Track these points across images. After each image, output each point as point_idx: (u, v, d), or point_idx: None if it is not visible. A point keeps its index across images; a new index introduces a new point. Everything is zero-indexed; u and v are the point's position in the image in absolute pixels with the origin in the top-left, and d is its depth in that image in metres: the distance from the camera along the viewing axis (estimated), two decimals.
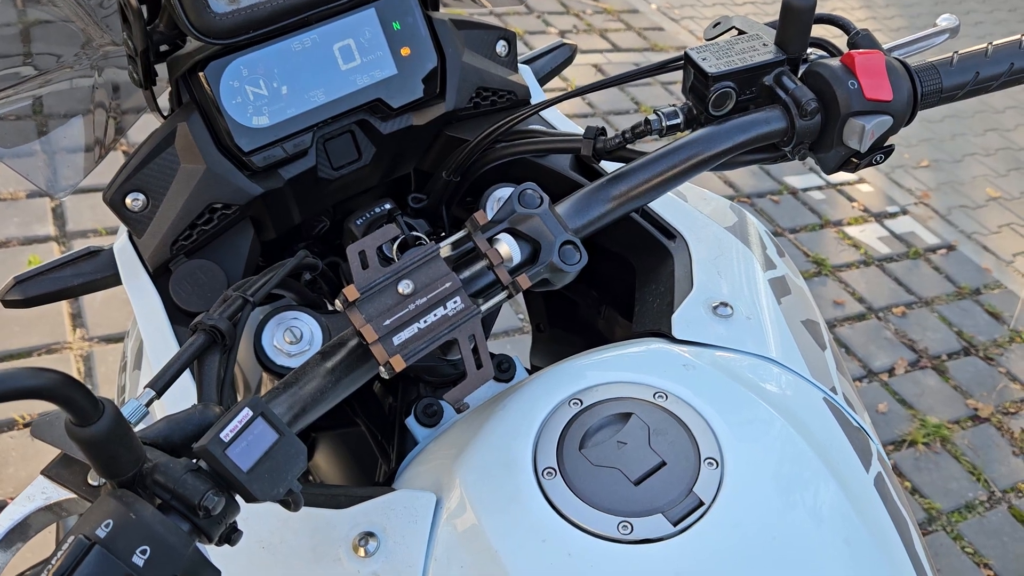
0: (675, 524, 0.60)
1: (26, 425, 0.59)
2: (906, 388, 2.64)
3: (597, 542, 0.60)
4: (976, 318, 2.98)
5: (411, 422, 0.86)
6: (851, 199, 3.44)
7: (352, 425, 1.03)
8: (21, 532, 0.55)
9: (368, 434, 0.99)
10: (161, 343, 0.75)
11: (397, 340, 0.61)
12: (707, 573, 0.59)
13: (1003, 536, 2.28)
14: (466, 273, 0.65)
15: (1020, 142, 4.06)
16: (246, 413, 0.51)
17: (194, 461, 0.51)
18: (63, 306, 2.30)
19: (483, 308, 0.64)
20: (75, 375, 2.10)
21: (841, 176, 3.54)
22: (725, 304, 0.79)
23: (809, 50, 0.78)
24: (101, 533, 0.45)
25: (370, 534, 0.64)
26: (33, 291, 0.82)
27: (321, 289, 0.91)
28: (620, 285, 0.96)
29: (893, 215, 3.41)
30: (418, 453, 0.80)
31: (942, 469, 2.42)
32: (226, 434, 0.50)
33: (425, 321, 0.62)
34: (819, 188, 3.45)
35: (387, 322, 0.61)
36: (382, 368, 0.60)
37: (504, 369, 0.90)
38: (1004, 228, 3.47)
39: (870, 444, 0.75)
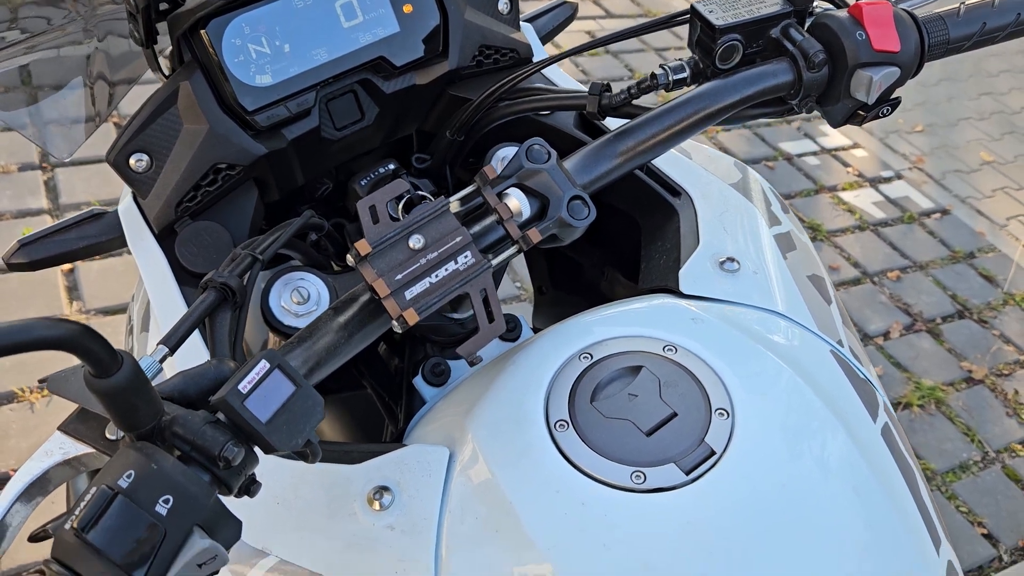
0: (687, 473, 0.61)
1: (41, 382, 0.58)
2: (901, 351, 2.66)
3: (611, 491, 0.60)
4: (970, 281, 3.00)
5: (419, 382, 0.86)
6: (846, 164, 3.44)
7: (357, 388, 1.03)
8: (41, 486, 0.56)
9: (375, 396, 0.99)
10: (169, 304, 0.75)
11: (409, 294, 0.61)
12: (720, 521, 0.60)
13: (997, 495, 2.31)
14: (476, 228, 0.65)
15: (1014, 106, 4.05)
16: (263, 365, 0.51)
17: (212, 414, 0.51)
18: (59, 279, 2.29)
19: (494, 262, 0.64)
20: None
21: (835, 141, 3.54)
22: (732, 259, 0.80)
23: (816, 1, 0.77)
24: (123, 483, 0.46)
25: (384, 488, 0.64)
26: (38, 254, 0.82)
27: (326, 251, 0.90)
28: (624, 245, 0.96)
29: (887, 180, 3.41)
30: (426, 412, 0.80)
31: (937, 430, 2.44)
32: (244, 385, 0.50)
33: (436, 276, 0.62)
34: (814, 153, 3.45)
35: (399, 276, 0.61)
36: (395, 322, 0.60)
37: (511, 328, 0.90)
38: (998, 192, 3.48)
39: (876, 395, 0.76)
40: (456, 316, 0.85)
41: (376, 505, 0.64)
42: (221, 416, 0.51)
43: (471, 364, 0.63)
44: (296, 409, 0.51)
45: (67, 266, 2.31)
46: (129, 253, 0.79)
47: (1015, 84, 4.23)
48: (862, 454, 0.66)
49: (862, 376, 0.76)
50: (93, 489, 0.45)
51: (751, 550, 0.59)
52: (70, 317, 2.20)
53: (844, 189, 3.30)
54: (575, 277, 1.13)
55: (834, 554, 0.61)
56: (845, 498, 0.64)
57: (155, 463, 0.47)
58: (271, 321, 0.77)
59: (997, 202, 3.42)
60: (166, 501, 0.46)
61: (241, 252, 0.68)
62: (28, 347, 0.41)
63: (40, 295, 2.22)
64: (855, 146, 3.56)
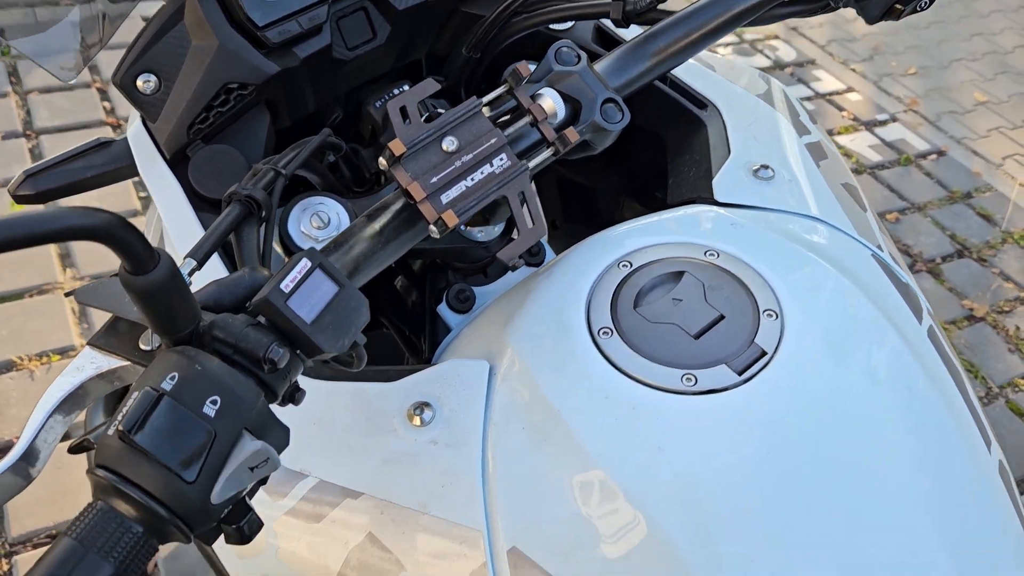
0: (740, 373, 0.59)
1: (67, 295, 0.55)
2: None
3: (662, 395, 0.58)
4: (968, 221, 2.99)
5: (443, 309, 0.84)
6: (840, 108, 3.41)
7: (374, 328, 1.01)
8: (76, 401, 0.53)
9: (395, 331, 0.97)
10: (186, 228, 0.72)
11: (445, 198, 0.58)
12: (775, 420, 0.58)
13: (1001, 429, 2.32)
14: (509, 131, 0.62)
15: (1006, 46, 4.02)
16: (304, 264, 0.48)
17: (252, 318, 0.49)
18: (51, 247, 2.24)
19: (530, 165, 0.61)
20: (68, 315, 2.06)
21: (829, 86, 3.51)
22: (766, 167, 0.77)
23: None
24: (167, 386, 0.43)
25: (425, 404, 0.62)
26: (44, 185, 0.78)
27: (343, 175, 0.87)
28: (645, 167, 0.94)
29: (883, 123, 3.39)
30: (454, 338, 0.78)
31: None
32: (286, 284, 0.47)
33: (472, 179, 0.59)
34: (808, 99, 3.41)
35: (434, 180, 0.58)
36: (433, 226, 0.58)
37: (534, 253, 0.88)
38: (993, 132, 3.46)
39: (920, 299, 0.74)
40: (481, 238, 0.82)
41: (417, 420, 0.62)
42: (262, 319, 0.48)
43: (512, 269, 0.60)
44: (341, 309, 0.49)
45: None
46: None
47: (1007, 24, 4.20)
48: (913, 354, 0.65)
49: (904, 280, 0.74)
50: (136, 393, 0.43)
51: (808, 448, 0.57)
52: (63, 285, 2.15)
53: (840, 133, 3.28)
54: (589, 209, 1.11)
55: (890, 450, 0.59)
56: (899, 397, 0.62)
57: (199, 364, 0.44)
58: (290, 247, 0.74)
59: (992, 142, 3.41)
60: (214, 402, 0.43)
61: (263, 167, 0.65)
62: (60, 236, 0.38)
63: (33, 263, 2.17)
64: (849, 90, 3.53)
